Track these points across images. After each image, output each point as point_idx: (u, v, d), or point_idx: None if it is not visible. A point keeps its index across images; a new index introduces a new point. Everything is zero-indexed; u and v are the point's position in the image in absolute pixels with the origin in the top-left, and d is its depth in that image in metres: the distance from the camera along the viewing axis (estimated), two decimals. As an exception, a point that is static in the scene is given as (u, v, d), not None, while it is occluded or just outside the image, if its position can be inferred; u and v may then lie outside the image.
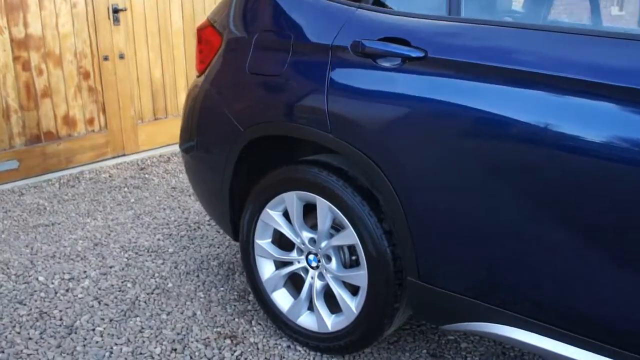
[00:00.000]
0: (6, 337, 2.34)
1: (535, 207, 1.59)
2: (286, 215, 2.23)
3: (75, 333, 2.38)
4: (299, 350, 2.28)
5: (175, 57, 4.81)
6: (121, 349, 2.28)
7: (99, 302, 2.60)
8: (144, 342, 2.33)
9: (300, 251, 2.22)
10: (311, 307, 2.24)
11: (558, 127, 1.52)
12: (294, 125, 2.04)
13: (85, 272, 2.86)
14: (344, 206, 1.98)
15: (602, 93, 1.48)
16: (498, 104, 1.61)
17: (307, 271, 2.22)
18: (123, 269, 2.89)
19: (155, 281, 2.78)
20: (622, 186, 1.44)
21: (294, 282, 2.34)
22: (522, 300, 1.69)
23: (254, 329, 2.41)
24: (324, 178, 2.02)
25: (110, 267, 2.91)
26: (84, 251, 3.07)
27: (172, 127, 4.86)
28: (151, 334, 2.38)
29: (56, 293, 2.67)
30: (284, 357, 2.24)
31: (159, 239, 3.22)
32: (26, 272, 2.85)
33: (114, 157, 4.57)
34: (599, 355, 1.59)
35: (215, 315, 2.50)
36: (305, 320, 2.25)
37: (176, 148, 4.81)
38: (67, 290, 2.69)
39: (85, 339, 2.34)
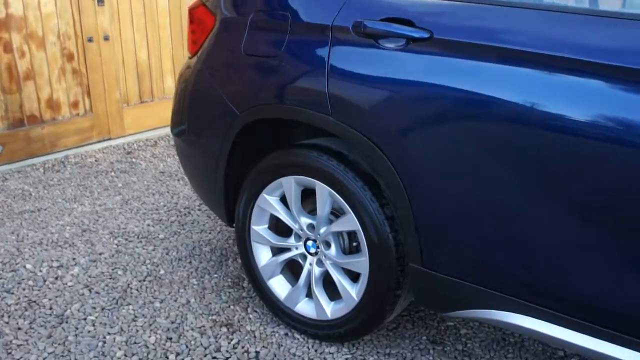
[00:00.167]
0: (-6, 327, 2.28)
1: (542, 190, 1.55)
2: (283, 200, 2.18)
3: (67, 322, 2.31)
4: (297, 338, 2.24)
5: (161, 38, 4.69)
6: (114, 339, 2.22)
7: (90, 290, 2.53)
8: (137, 331, 2.27)
9: (298, 237, 2.17)
10: (309, 294, 2.19)
11: (559, 109, 1.48)
12: (293, 107, 1.98)
13: (74, 259, 2.78)
14: (345, 191, 1.93)
15: (598, 72, 1.44)
16: (506, 86, 1.57)
17: (305, 257, 2.17)
18: (113, 256, 2.82)
19: (147, 268, 2.72)
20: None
21: (292, 269, 2.29)
22: (527, 285, 1.66)
23: (250, 316, 2.37)
24: (323, 162, 1.97)
25: (100, 254, 2.83)
26: (72, 238, 3.00)
27: (159, 111, 4.75)
28: (145, 322, 2.32)
29: (45, 281, 2.59)
30: (281, 345, 2.20)
31: (148, 225, 3.15)
32: (13, 259, 2.77)
33: (99, 141, 4.46)
34: (603, 341, 1.57)
35: (210, 303, 2.45)
36: (304, 307, 2.20)
37: (163, 132, 4.71)
38: (56, 278, 2.62)
39: (77, 329, 2.28)
